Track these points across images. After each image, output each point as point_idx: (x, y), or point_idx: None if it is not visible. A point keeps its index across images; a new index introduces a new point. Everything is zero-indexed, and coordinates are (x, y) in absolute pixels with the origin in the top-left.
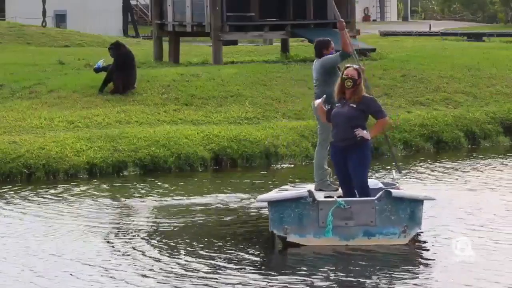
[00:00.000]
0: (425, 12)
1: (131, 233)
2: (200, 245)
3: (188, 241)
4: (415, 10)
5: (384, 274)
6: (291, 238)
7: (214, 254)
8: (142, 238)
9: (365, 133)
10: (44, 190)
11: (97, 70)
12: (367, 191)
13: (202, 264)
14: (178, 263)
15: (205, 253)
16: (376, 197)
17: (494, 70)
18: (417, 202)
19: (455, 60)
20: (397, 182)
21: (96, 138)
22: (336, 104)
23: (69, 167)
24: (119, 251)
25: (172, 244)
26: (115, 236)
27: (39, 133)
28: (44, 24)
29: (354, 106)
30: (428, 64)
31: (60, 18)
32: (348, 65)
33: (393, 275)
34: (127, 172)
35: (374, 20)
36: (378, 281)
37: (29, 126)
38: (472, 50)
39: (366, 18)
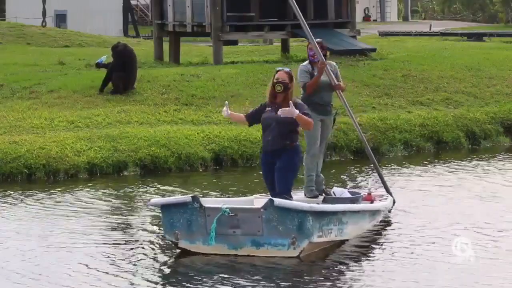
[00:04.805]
0: (425, 12)
1: (127, 237)
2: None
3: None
4: (415, 10)
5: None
6: (182, 244)
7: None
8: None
9: (291, 109)
10: (44, 190)
11: (99, 65)
12: (290, 198)
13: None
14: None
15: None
16: (262, 206)
17: (494, 70)
18: (304, 213)
19: (455, 60)
20: (371, 192)
21: (96, 138)
22: (267, 108)
23: (69, 167)
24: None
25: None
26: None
27: (39, 133)
28: (44, 24)
29: None
30: (428, 64)
31: (61, 18)
32: (279, 68)
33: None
34: (128, 172)
35: (374, 20)
36: None
37: (29, 126)
38: (473, 50)
39: (366, 18)
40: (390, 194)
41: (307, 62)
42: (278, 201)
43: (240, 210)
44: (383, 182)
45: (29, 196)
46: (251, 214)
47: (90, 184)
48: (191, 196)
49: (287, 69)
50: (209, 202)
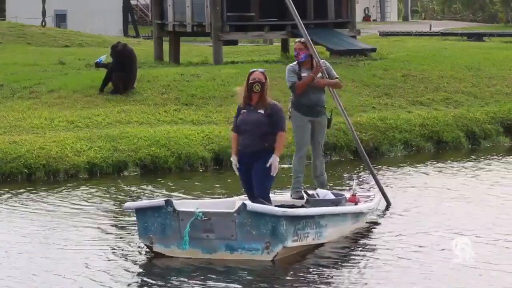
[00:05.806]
0: (425, 12)
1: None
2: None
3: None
4: (415, 10)
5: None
6: (157, 248)
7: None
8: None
9: (275, 163)
10: (44, 190)
11: (98, 64)
12: (268, 202)
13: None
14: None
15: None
16: (235, 210)
17: (494, 70)
18: (277, 218)
19: (455, 60)
20: (355, 194)
21: (96, 138)
22: (242, 111)
23: (69, 167)
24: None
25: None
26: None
27: (39, 133)
28: (43, 24)
29: (262, 112)
30: (428, 64)
31: (61, 18)
32: (253, 69)
33: None
34: (128, 172)
35: (374, 20)
36: None
37: (29, 126)
38: (473, 50)
39: (366, 18)
40: (385, 195)
41: (294, 62)
42: (251, 205)
43: (214, 214)
44: (377, 183)
45: (29, 196)
46: (225, 218)
47: (90, 184)
48: (164, 200)
49: (261, 70)
50: (183, 205)
